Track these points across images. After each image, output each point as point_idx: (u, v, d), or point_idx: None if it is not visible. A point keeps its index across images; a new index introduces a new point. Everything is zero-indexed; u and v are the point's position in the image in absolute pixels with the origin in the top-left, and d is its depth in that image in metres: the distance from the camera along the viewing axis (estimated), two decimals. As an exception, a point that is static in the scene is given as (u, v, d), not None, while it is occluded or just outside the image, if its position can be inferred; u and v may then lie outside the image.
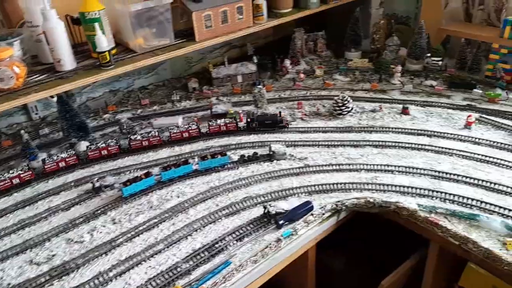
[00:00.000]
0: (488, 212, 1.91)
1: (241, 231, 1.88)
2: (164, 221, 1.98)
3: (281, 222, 1.87)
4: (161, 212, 2.03)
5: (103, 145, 2.44)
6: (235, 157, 2.39)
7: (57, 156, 2.36)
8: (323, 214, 1.98)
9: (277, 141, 2.54)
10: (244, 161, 2.36)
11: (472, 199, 1.98)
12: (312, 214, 1.94)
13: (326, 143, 2.52)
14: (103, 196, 2.18)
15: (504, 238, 1.76)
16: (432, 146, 2.41)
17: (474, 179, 2.12)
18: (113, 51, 2.49)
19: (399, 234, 2.19)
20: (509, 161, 2.22)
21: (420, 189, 2.08)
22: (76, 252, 1.85)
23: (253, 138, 2.61)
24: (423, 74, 3.15)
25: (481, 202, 1.96)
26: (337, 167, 2.29)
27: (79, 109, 2.95)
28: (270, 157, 2.39)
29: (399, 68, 3.12)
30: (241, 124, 2.68)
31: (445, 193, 2.04)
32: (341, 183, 2.16)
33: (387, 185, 2.13)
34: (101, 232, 1.94)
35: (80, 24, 2.42)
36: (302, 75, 3.29)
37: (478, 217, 1.87)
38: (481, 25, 3.16)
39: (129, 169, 2.37)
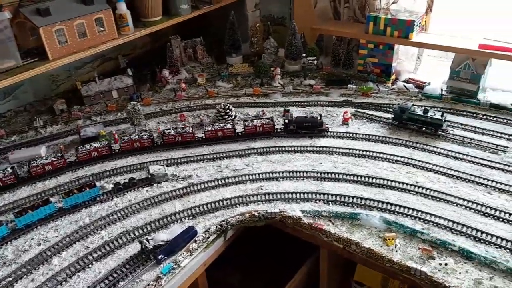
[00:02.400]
0: (368, 208, 1.94)
1: (115, 275, 1.65)
2: (21, 278, 1.67)
3: (160, 257, 1.69)
4: (17, 268, 1.71)
5: None
6: (109, 186, 2.14)
7: None
8: (208, 237, 1.84)
9: (156, 161, 2.34)
10: (119, 189, 2.12)
11: (353, 197, 2.01)
12: (195, 241, 1.79)
13: (211, 156, 2.39)
14: None
15: (384, 234, 1.79)
16: (313, 146, 2.42)
17: (354, 175, 2.16)
18: None
19: (294, 242, 2.14)
20: (383, 153, 2.30)
21: (304, 193, 2.06)
22: None
23: (130, 160, 2.37)
24: (302, 74, 3.19)
25: (361, 198, 1.99)
26: (223, 182, 2.18)
27: None
28: (150, 180, 2.18)
29: (279, 70, 3.12)
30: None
31: (328, 194, 2.04)
32: (226, 199, 2.04)
33: (272, 193, 2.07)
34: None
35: None
36: (183, 85, 3.12)
37: (359, 216, 1.89)
38: (349, 22, 3.30)
39: (-24, 220, 1.98)
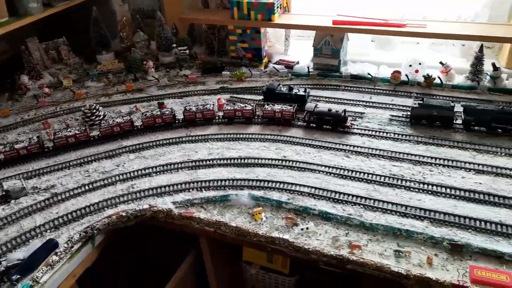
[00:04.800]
0: (239, 188, 1.97)
1: (-42, 309, 1.47)
2: None
3: (14, 277, 1.54)
4: None
5: None
6: (-46, 213, 1.89)
7: None
8: (72, 247, 1.71)
9: (14, 175, 2.13)
10: (-33, 214, 1.89)
11: (226, 180, 2.02)
12: (56, 253, 1.65)
13: (78, 161, 2.24)
14: None
15: (252, 210, 1.83)
16: (189, 136, 2.39)
17: (228, 159, 2.18)
18: None
19: (176, 237, 2.10)
20: (255, 133, 2.36)
21: (177, 184, 2.02)
22: None
23: (-17, 179, 2.13)
24: (177, 65, 3.13)
25: (233, 180, 2.02)
26: (90, 187, 2.05)
27: None
28: (6, 197, 1.97)
29: (151, 63, 3.03)
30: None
31: (201, 181, 2.03)
32: (93, 204, 1.93)
33: (144, 190, 2.00)
34: None
35: None
36: (46, 89, 2.88)
37: (229, 197, 1.91)
38: (217, 9, 3.31)
39: None
